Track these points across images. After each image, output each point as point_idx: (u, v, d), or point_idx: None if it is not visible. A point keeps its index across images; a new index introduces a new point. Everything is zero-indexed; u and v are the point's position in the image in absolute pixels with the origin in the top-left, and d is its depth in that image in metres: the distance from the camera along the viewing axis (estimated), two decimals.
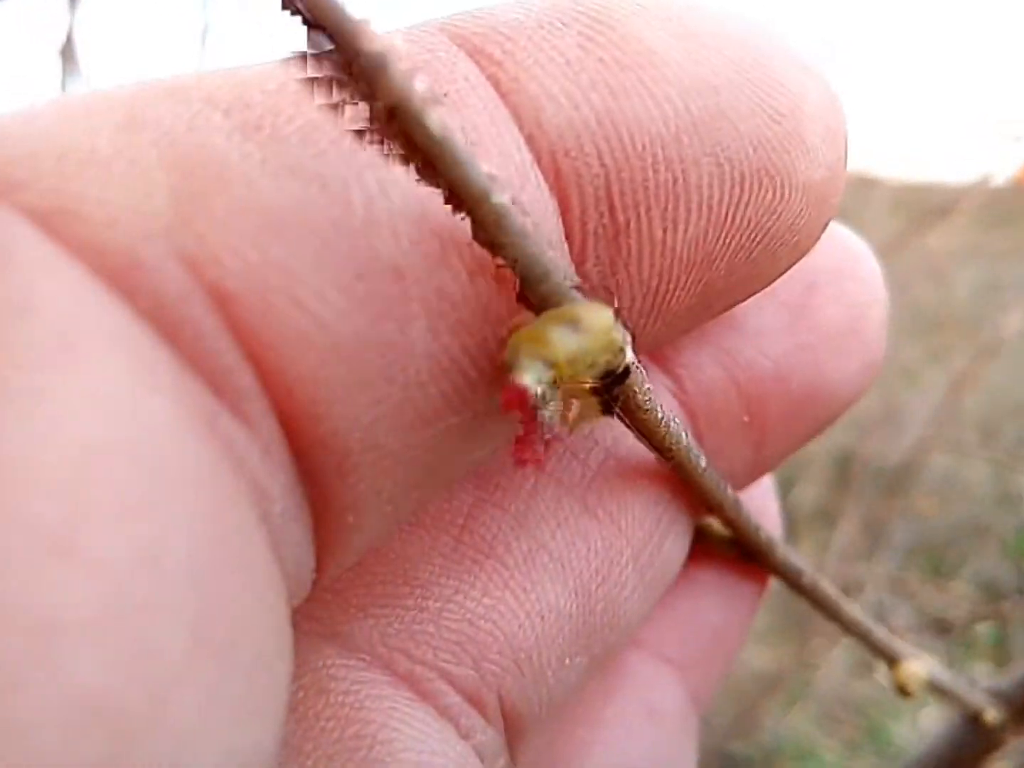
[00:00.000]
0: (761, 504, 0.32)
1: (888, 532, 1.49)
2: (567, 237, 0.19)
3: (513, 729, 0.23)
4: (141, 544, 0.13)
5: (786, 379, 0.26)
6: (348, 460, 0.17)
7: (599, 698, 0.29)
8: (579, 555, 0.23)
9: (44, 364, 0.13)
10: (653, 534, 0.25)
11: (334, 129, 0.17)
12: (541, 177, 0.18)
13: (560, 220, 0.19)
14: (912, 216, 1.33)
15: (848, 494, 1.46)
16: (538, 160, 0.18)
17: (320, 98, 0.17)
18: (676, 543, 0.26)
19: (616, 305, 0.21)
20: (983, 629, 1.56)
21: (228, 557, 0.14)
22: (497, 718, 0.23)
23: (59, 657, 0.12)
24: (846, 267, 0.27)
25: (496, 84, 0.18)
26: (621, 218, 0.19)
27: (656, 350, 0.25)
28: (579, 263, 0.19)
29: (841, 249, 0.27)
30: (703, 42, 0.20)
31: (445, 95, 0.18)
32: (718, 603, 0.31)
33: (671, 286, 0.21)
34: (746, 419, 0.26)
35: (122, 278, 0.15)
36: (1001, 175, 1.33)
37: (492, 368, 0.19)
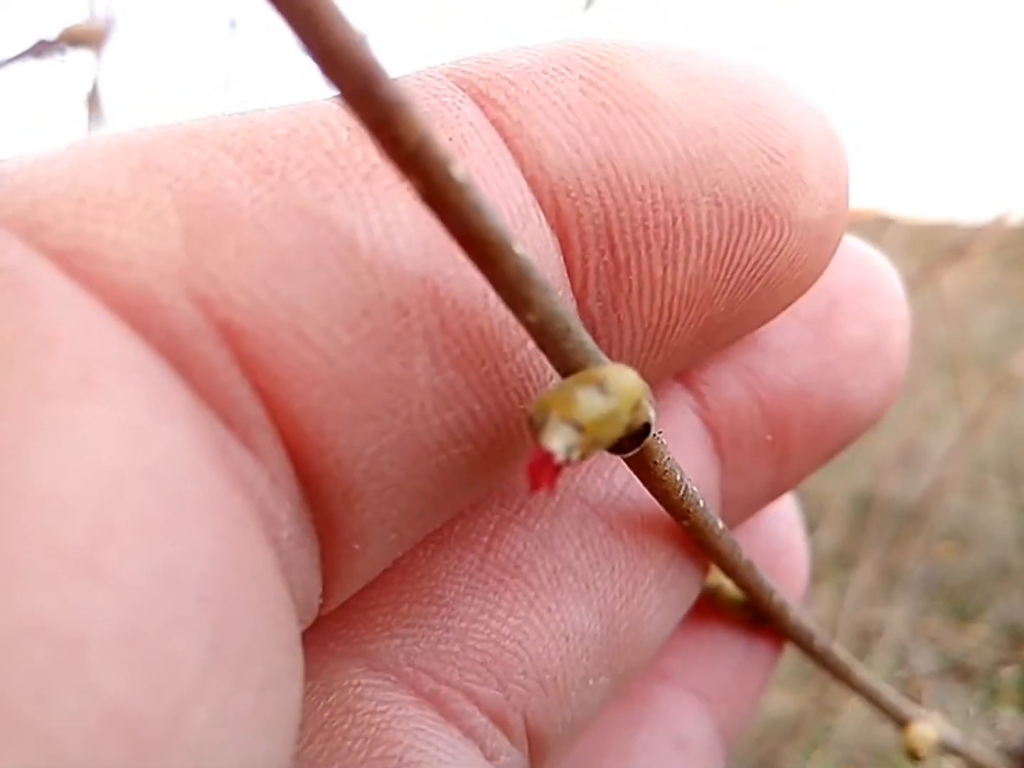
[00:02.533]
0: (786, 539, 0.33)
1: (908, 575, 1.47)
2: (569, 274, 0.20)
3: (536, 750, 0.23)
4: (160, 565, 0.13)
5: (809, 398, 0.26)
6: (353, 489, 0.18)
7: (626, 728, 0.29)
8: (603, 575, 0.23)
9: (68, 395, 0.14)
10: (676, 554, 0.25)
11: (342, 173, 0.17)
12: (543, 217, 0.19)
13: (561, 258, 0.19)
14: (928, 255, 1.33)
15: (867, 536, 1.44)
16: (540, 201, 0.19)
17: (332, 142, 0.17)
18: (698, 562, 0.26)
19: (616, 345, 0.21)
20: (1007, 673, 1.53)
21: (241, 578, 0.15)
22: (522, 739, 0.22)
23: (84, 671, 0.12)
24: (868, 285, 0.27)
25: (500, 128, 0.19)
26: (621, 256, 0.20)
27: (658, 384, 0.25)
28: (581, 299, 0.20)
29: (863, 267, 0.27)
30: (703, 85, 0.20)
31: (450, 139, 0.18)
32: (744, 636, 0.31)
33: (671, 322, 0.21)
34: (769, 438, 0.26)
35: (137, 315, 0.15)
36: (1018, 214, 1.33)
37: (497, 403, 0.19)
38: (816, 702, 1.22)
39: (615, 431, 0.18)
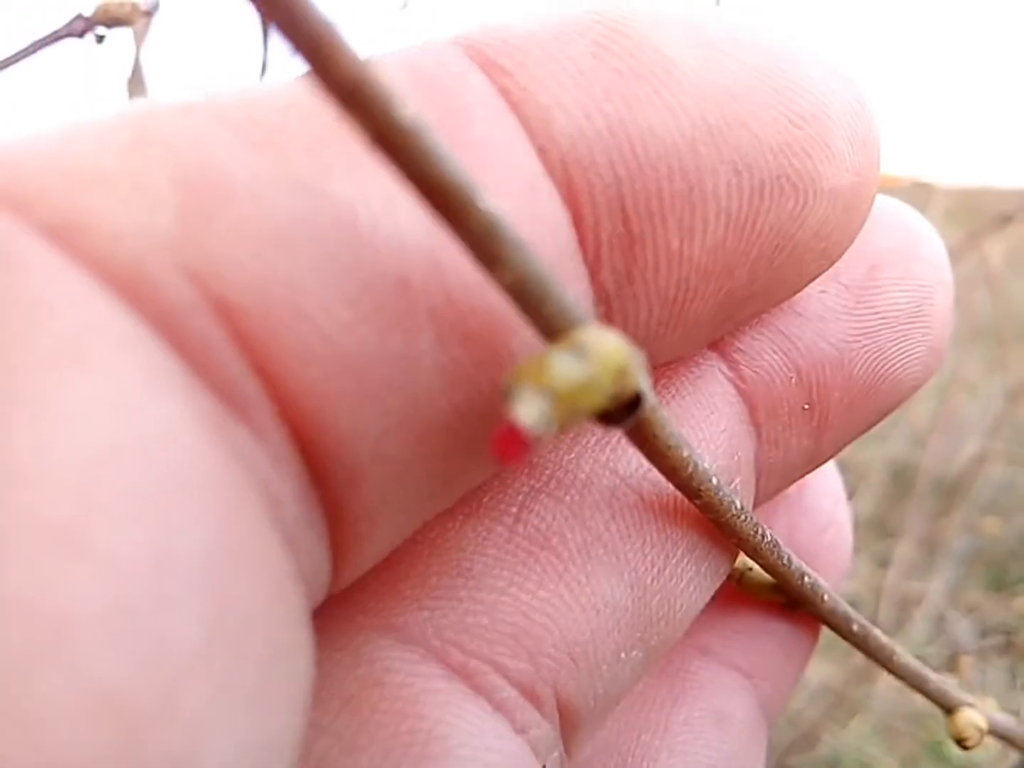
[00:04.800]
0: (830, 513, 0.32)
1: (947, 544, 1.46)
2: (581, 247, 0.19)
3: (568, 723, 0.23)
4: (152, 541, 0.13)
5: (848, 365, 0.25)
6: (358, 470, 0.17)
7: (666, 703, 0.28)
8: (635, 547, 0.23)
9: (57, 367, 0.13)
10: (710, 526, 0.24)
11: (341, 146, 0.17)
12: (553, 188, 0.18)
13: (573, 230, 0.19)
14: (970, 223, 1.31)
15: (906, 506, 1.43)
16: (550, 171, 0.18)
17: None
18: None
19: (632, 319, 0.20)
20: None
21: (241, 553, 0.14)
22: (552, 712, 0.22)
23: (71, 652, 0.12)
24: (910, 248, 0.26)
25: (506, 95, 0.18)
26: (636, 228, 0.19)
27: (676, 360, 0.24)
28: (594, 272, 0.19)
29: (904, 229, 0.26)
30: (722, 50, 0.19)
31: (455, 108, 0.18)
32: (785, 612, 0.30)
33: (689, 296, 0.20)
34: (806, 407, 0.25)
35: (128, 291, 0.15)
36: None
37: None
38: (854, 670, 1.22)
39: (596, 400, 0.16)
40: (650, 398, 0.18)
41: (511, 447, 0.15)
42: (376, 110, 0.14)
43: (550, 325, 0.16)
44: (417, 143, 0.14)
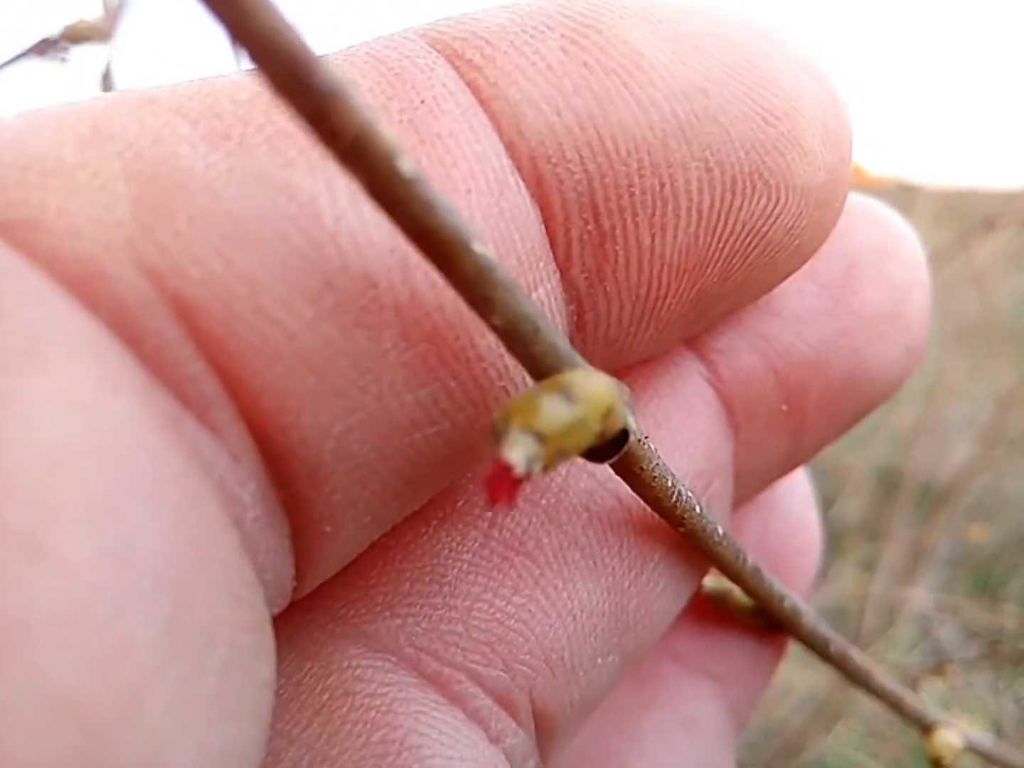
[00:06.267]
0: (800, 516, 0.32)
1: (933, 549, 1.46)
2: (552, 244, 0.19)
3: (544, 730, 0.22)
4: (110, 543, 0.13)
5: (826, 365, 0.25)
6: (321, 470, 0.17)
7: (636, 708, 0.28)
8: (611, 551, 0.23)
9: (11, 368, 0.13)
10: None
11: (304, 138, 0.16)
12: (522, 184, 0.18)
13: (543, 227, 0.19)
14: (956, 225, 1.31)
15: (892, 509, 1.43)
16: (519, 167, 0.18)
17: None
18: None
19: (604, 317, 0.20)
20: None
21: (199, 556, 0.14)
22: (528, 720, 0.22)
23: (29, 656, 0.12)
24: (887, 247, 0.26)
25: (475, 90, 0.18)
26: (606, 224, 0.19)
27: (650, 357, 0.24)
28: (564, 270, 0.19)
29: (881, 229, 0.26)
30: (693, 44, 0.19)
31: (422, 102, 0.17)
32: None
33: (662, 293, 0.20)
34: (784, 408, 0.25)
35: (84, 288, 0.15)
36: None
37: (473, 379, 0.18)
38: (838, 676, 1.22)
39: (583, 440, 0.17)
40: (636, 433, 0.18)
41: (501, 487, 0.15)
42: (377, 164, 0.14)
43: (539, 364, 0.17)
44: (416, 194, 0.14)
